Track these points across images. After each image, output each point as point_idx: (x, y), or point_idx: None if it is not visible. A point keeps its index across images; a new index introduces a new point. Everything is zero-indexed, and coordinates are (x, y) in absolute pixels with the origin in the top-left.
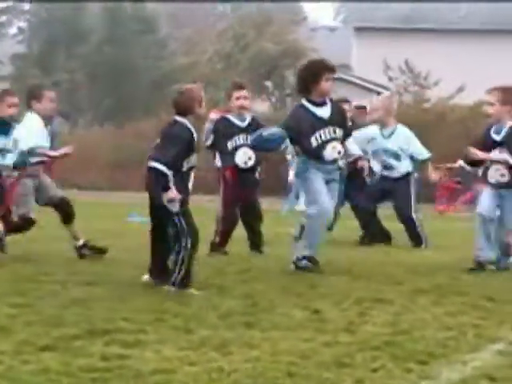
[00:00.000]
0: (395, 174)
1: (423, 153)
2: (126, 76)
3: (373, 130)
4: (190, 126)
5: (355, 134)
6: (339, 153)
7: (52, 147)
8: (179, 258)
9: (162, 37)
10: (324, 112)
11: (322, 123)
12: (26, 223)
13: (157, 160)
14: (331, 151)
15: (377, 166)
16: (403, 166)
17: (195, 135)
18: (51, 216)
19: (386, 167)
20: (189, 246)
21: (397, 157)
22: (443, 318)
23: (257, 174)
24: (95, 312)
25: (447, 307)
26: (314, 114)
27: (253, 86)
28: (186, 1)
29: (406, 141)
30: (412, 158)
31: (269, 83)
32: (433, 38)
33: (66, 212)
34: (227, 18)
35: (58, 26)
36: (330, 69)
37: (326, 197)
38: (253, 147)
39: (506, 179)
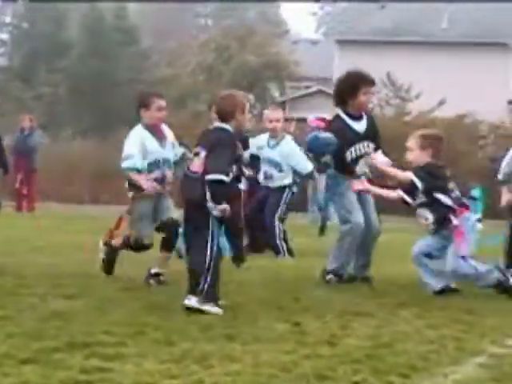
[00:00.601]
0: (273, 183)
1: (307, 167)
2: (108, 88)
3: (262, 139)
4: (231, 131)
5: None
6: (369, 166)
7: (31, 160)
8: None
9: (144, 48)
10: (360, 126)
11: (358, 138)
12: (137, 246)
13: (212, 172)
14: (362, 166)
15: (261, 175)
16: (283, 178)
17: (237, 142)
18: (31, 228)
19: (266, 177)
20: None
21: (279, 167)
22: (424, 331)
23: (241, 185)
24: (75, 325)
25: (428, 320)
26: (350, 128)
27: None
28: (174, 1)
29: (290, 153)
30: (295, 171)
31: (251, 95)
32: (414, 50)
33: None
34: (210, 31)
35: (39, 38)
36: (369, 82)
37: (359, 212)
38: (309, 150)
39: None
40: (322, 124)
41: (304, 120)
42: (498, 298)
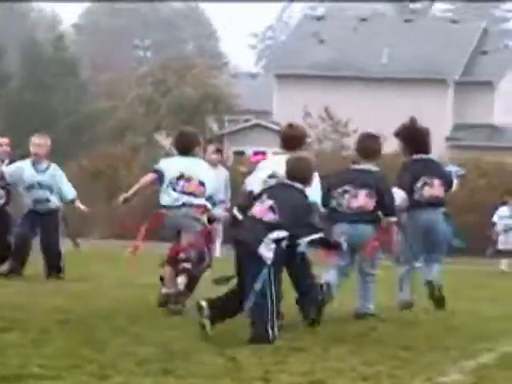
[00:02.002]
0: (48, 207)
1: (71, 193)
2: (46, 120)
3: (25, 163)
4: None
5: None
6: None
7: None
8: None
9: (82, 80)
10: None
11: None
12: None
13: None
14: None
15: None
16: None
17: None
18: None
19: (39, 201)
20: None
21: (51, 191)
22: (359, 368)
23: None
24: (8, 358)
25: (363, 356)
26: None
27: (174, 131)
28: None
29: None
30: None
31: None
32: (353, 85)
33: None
34: (148, 63)
35: None
36: None
37: None
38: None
39: None
40: (262, 158)
41: (242, 153)
42: (434, 334)
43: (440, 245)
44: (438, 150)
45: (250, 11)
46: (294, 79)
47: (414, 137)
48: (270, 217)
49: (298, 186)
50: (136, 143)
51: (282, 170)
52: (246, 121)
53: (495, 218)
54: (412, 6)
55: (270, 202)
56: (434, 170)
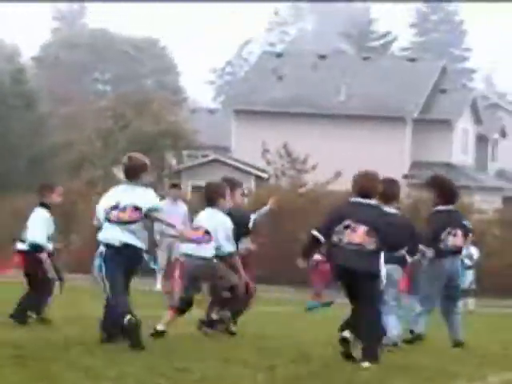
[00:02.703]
0: None
1: None
2: (4, 151)
3: None
4: None
5: None
6: None
7: None
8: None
9: (41, 113)
10: None
11: None
12: None
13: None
14: None
15: None
16: None
17: None
18: None
19: None
20: None
21: None
22: None
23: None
24: None
25: None
26: None
27: None
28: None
29: None
30: None
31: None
32: (312, 122)
33: None
34: (107, 97)
35: None
36: None
37: None
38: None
39: None
40: None
41: (201, 188)
42: (387, 376)
43: (458, 289)
44: None
45: (209, 46)
46: (253, 115)
47: (445, 188)
48: (369, 241)
49: (374, 203)
50: (94, 177)
51: (125, 201)
52: (204, 156)
53: None
54: (371, 44)
55: (363, 228)
56: (458, 220)
